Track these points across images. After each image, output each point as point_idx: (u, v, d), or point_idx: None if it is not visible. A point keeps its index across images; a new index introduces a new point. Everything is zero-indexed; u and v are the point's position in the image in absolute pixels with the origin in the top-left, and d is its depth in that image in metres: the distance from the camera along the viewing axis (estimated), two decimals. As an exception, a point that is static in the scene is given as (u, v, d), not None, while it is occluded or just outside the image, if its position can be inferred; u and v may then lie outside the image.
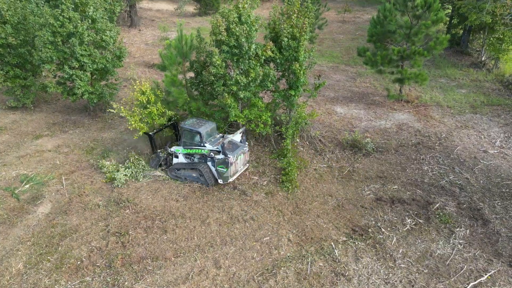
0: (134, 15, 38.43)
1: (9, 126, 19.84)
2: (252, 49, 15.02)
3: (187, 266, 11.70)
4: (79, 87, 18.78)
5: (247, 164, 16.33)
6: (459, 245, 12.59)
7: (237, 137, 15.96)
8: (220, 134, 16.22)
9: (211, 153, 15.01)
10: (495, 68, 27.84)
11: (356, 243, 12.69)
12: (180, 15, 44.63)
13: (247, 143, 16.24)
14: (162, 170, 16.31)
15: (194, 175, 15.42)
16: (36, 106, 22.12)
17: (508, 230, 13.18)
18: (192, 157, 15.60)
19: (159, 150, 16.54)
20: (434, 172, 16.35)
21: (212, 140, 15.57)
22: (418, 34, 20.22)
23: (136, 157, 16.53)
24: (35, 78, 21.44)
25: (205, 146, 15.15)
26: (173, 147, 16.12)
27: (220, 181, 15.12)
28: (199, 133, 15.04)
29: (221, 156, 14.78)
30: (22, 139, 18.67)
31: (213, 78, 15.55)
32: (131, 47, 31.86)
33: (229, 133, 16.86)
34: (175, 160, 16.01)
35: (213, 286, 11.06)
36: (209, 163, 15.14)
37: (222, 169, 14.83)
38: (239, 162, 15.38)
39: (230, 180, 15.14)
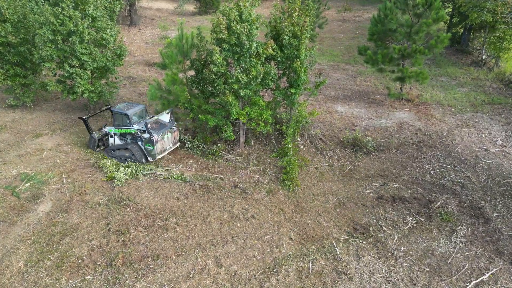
0: (134, 14, 38.37)
1: (9, 125, 19.80)
2: (253, 47, 14.97)
3: (188, 265, 11.67)
4: (79, 85, 18.73)
5: (178, 143, 17.34)
6: (460, 244, 12.56)
7: (164, 117, 16.77)
8: (151, 116, 17.19)
9: (138, 132, 16.01)
10: (496, 66, 27.84)
11: (358, 241, 12.66)
12: (180, 14, 44.56)
13: (175, 123, 17.17)
14: (100, 150, 17.39)
15: (127, 154, 16.40)
16: (36, 105, 22.08)
17: (510, 229, 13.16)
18: (126, 138, 16.63)
19: (93, 132, 17.57)
20: (435, 171, 16.33)
21: (141, 121, 16.52)
22: (419, 33, 20.21)
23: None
24: (35, 76, 21.39)
25: (132, 126, 16.18)
26: (107, 127, 17.16)
27: (149, 158, 16.26)
28: (127, 115, 16.05)
29: (147, 135, 15.82)
30: (22, 138, 18.63)
31: (213, 77, 15.51)
32: (131, 46, 31.81)
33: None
34: (110, 140, 17.03)
35: (215, 284, 11.03)
36: (139, 143, 16.18)
37: (149, 147, 15.99)
38: (166, 141, 16.43)
39: (158, 157, 16.27)
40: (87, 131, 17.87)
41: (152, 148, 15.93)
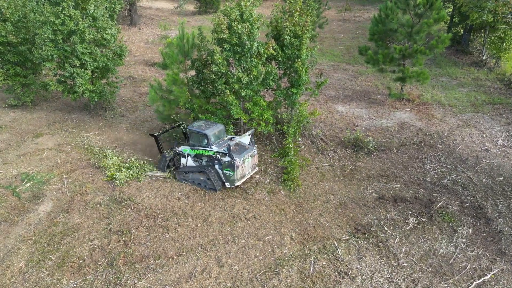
0: (134, 14, 38.28)
1: (9, 125, 19.76)
2: (254, 47, 14.95)
3: (190, 265, 11.65)
4: (80, 85, 18.69)
5: (256, 168, 15.76)
6: (462, 244, 12.56)
7: (245, 139, 15.44)
8: (229, 136, 15.71)
9: (218, 155, 14.59)
10: (496, 67, 27.82)
11: (359, 242, 12.65)
12: (180, 14, 44.52)
13: (255, 145, 15.64)
14: (170, 171, 16.02)
15: (201, 178, 15.00)
16: (36, 105, 22.03)
17: (511, 229, 13.15)
18: (200, 160, 15.29)
19: (165, 151, 16.24)
20: (436, 171, 16.32)
21: (220, 142, 15.10)
22: (420, 33, 20.19)
23: (138, 157, 16.47)
24: (35, 76, 21.35)
25: (211, 148, 14.76)
26: (181, 146, 15.80)
27: (227, 184, 14.69)
28: (206, 135, 14.68)
29: (227, 158, 14.34)
30: (22, 138, 18.59)
31: (214, 76, 15.49)
32: (131, 46, 31.75)
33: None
34: (182, 161, 15.71)
35: (216, 285, 11.02)
36: (217, 166, 14.70)
37: (228, 172, 14.40)
38: (246, 165, 14.79)
39: (238, 183, 14.66)
40: (158, 149, 16.58)
41: (232, 173, 14.30)
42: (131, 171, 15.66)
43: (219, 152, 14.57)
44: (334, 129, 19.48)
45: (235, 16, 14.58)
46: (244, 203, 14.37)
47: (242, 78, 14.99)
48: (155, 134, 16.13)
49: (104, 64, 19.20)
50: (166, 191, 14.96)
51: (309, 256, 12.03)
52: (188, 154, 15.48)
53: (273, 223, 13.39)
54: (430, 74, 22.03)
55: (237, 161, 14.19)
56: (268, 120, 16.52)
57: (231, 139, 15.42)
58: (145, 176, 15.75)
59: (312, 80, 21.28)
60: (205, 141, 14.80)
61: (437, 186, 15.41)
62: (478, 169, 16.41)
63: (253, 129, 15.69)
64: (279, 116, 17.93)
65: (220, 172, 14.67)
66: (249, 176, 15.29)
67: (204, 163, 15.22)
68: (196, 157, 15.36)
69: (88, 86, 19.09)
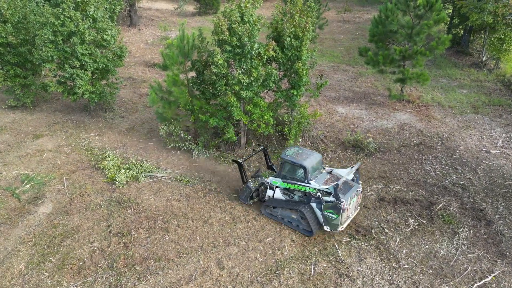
0: (133, 15, 38.27)
1: (9, 126, 19.73)
2: (254, 49, 14.95)
3: (190, 267, 11.62)
4: (80, 86, 18.68)
5: (358, 208, 13.59)
6: (462, 246, 12.54)
7: (348, 173, 13.24)
8: (328, 169, 13.60)
9: (318, 193, 12.44)
10: (496, 68, 27.83)
11: (360, 243, 12.63)
12: (180, 15, 44.50)
13: (360, 182, 13.68)
14: (253, 203, 14.25)
15: (294, 216, 12.96)
16: (36, 106, 22.00)
17: (512, 231, 13.16)
18: (292, 194, 13.17)
19: (249, 180, 14.51)
20: (436, 172, 16.31)
21: (318, 176, 13.00)
22: (420, 34, 20.20)
23: (138, 159, 16.45)
24: (35, 77, 21.33)
25: (309, 183, 12.63)
26: (270, 178, 13.77)
27: (326, 228, 12.45)
28: (304, 168, 12.57)
29: (331, 198, 12.13)
30: (22, 139, 18.56)
31: (215, 78, 15.48)
32: (131, 47, 31.74)
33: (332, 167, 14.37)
34: (269, 192, 13.61)
35: (217, 286, 10.99)
36: (314, 204, 12.53)
37: (331, 215, 12.14)
38: (351, 207, 12.61)
39: (340, 229, 12.40)
40: (240, 178, 14.68)
41: (336, 217, 12.02)
42: (131, 171, 15.63)
43: (321, 190, 12.34)
44: (334, 130, 19.48)
45: (236, 17, 14.57)
46: (244, 204, 14.32)
47: (242, 80, 14.97)
48: (239, 161, 14.37)
49: (104, 65, 19.20)
50: (166, 192, 14.93)
51: (310, 258, 12.00)
52: (277, 187, 13.42)
53: (274, 225, 13.36)
54: (430, 76, 22.04)
55: (344, 203, 11.98)
56: (268, 122, 16.50)
57: (330, 172, 13.38)
58: (145, 177, 15.72)
59: (313, 82, 21.27)
60: (302, 173, 12.71)
61: (437, 187, 15.40)
62: (478, 170, 16.41)
63: (360, 163, 13.56)
64: (280, 118, 17.92)
65: (319, 212, 12.43)
66: (351, 218, 13.10)
67: (296, 198, 13.09)
68: (287, 189, 13.27)
69: (88, 87, 19.08)
